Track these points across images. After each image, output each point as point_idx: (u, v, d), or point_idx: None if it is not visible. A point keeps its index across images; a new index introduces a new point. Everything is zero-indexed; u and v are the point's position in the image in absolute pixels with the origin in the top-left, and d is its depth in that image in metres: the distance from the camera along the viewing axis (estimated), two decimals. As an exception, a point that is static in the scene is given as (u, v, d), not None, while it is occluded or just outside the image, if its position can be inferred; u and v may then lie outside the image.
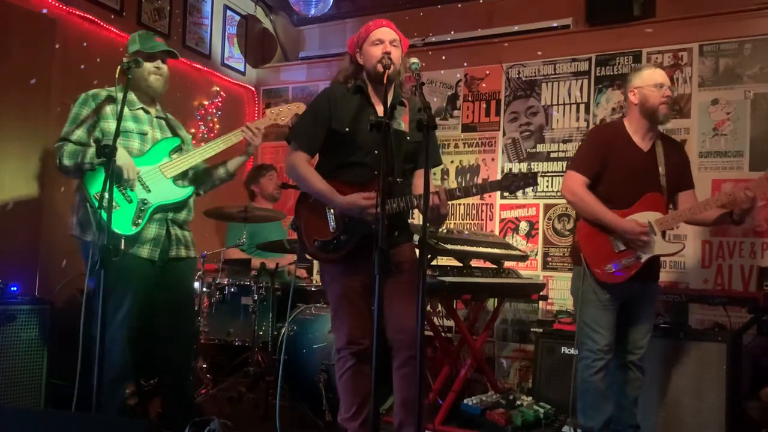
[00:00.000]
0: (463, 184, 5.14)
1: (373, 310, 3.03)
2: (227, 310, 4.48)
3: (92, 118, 3.28)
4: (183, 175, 3.44)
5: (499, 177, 5.41)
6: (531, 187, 2.92)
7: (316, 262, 5.94)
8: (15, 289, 3.76)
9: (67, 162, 3.20)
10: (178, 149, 3.48)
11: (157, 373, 3.63)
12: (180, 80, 5.38)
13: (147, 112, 3.46)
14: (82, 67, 4.69)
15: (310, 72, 6.40)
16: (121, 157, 3.16)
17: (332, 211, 2.90)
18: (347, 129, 2.92)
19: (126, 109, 3.33)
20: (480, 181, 5.47)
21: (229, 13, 6.21)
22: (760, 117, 4.61)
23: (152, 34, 3.55)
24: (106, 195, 3.07)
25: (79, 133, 3.26)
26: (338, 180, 2.90)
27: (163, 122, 3.54)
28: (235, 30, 6.28)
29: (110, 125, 3.27)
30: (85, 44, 4.75)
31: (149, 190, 3.28)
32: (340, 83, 3.03)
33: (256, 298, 4.32)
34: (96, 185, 3.17)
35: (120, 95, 3.29)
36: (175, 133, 3.54)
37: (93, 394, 2.66)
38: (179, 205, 3.43)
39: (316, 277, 5.80)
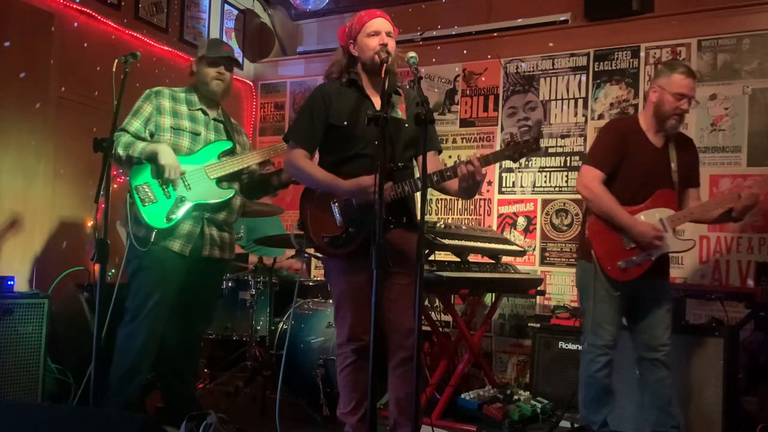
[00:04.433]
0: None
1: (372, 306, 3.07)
2: (225, 305, 4.47)
3: (150, 111, 3.40)
4: (230, 178, 3.48)
5: (497, 173, 5.42)
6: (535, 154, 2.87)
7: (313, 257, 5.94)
8: (12, 282, 3.75)
9: (121, 152, 3.27)
10: (230, 153, 3.51)
11: (161, 365, 3.62)
12: (177, 74, 5.37)
13: (206, 113, 3.53)
14: (80, 60, 4.68)
15: (308, 67, 6.39)
16: (166, 156, 3.27)
17: (337, 204, 2.89)
18: (345, 123, 2.91)
19: (185, 108, 3.48)
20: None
21: (227, 7, 6.20)
22: (758, 112, 4.61)
23: (221, 42, 3.70)
24: (149, 182, 3.30)
25: (137, 126, 3.36)
26: (341, 173, 2.89)
27: (221, 126, 3.59)
28: (233, 24, 6.27)
29: (165, 120, 3.40)
30: (82, 38, 4.73)
31: (189, 188, 3.34)
32: (334, 80, 3.02)
33: (253, 292, 4.31)
34: (139, 178, 3.30)
35: (183, 95, 3.51)
36: (230, 138, 3.58)
37: (92, 388, 2.67)
38: (218, 206, 3.45)
39: (314, 272, 5.80)
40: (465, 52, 5.65)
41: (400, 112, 2.95)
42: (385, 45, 2.86)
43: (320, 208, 2.93)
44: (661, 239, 3.27)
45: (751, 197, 3.25)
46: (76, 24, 4.72)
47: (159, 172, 3.27)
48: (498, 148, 5.42)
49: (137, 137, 3.33)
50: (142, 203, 3.26)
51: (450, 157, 5.61)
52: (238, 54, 6.33)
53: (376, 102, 2.93)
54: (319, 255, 3.03)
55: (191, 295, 3.45)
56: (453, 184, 2.85)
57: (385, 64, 2.81)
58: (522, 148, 2.72)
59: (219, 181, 3.43)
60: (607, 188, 3.34)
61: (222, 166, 3.44)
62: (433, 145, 3.03)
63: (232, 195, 3.47)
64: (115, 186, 4.15)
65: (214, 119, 3.57)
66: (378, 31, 2.90)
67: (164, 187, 3.31)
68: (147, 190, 3.29)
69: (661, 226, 3.29)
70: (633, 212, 3.32)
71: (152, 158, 3.26)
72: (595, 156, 3.43)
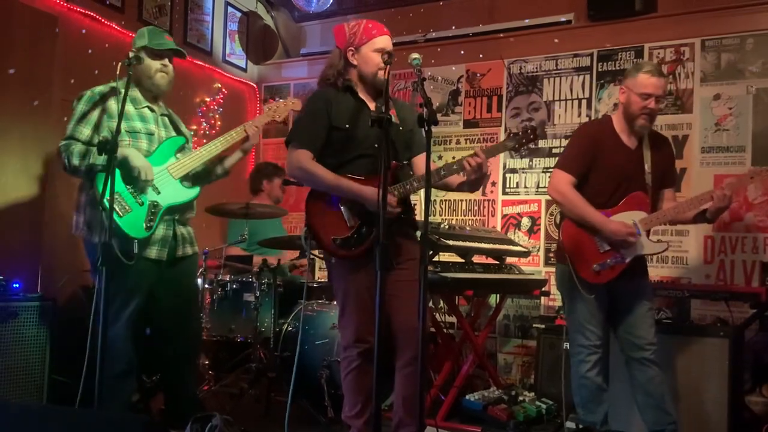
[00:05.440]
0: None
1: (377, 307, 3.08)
2: (229, 307, 4.48)
3: (98, 116, 3.23)
4: (186, 175, 3.43)
5: (501, 174, 5.41)
6: (535, 142, 2.98)
7: (317, 259, 5.94)
8: (17, 286, 3.77)
9: (76, 162, 3.14)
10: (182, 148, 3.47)
11: (161, 368, 3.63)
12: (182, 77, 5.36)
13: (152, 110, 3.43)
14: (83, 63, 4.69)
15: (311, 68, 6.38)
16: (137, 158, 3.16)
17: (347, 206, 2.90)
18: (347, 125, 2.94)
19: (131, 108, 3.31)
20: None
21: (230, 9, 6.21)
22: (762, 112, 4.59)
23: (162, 31, 3.51)
24: (120, 192, 3.14)
25: (87, 132, 3.21)
26: (344, 174, 2.92)
27: (167, 119, 3.53)
28: (236, 26, 6.28)
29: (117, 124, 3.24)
30: (86, 41, 4.75)
31: (159, 192, 3.27)
32: (329, 86, 3.05)
33: (258, 294, 4.32)
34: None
35: (122, 89, 3.29)
36: (178, 131, 3.53)
37: (95, 391, 2.67)
38: (187, 206, 3.44)
39: (318, 273, 5.80)
40: (468, 53, 5.64)
41: (393, 117, 2.99)
42: (389, 63, 2.85)
43: (329, 210, 2.94)
44: (634, 236, 3.27)
45: (723, 198, 3.26)
46: (79, 27, 4.73)
47: (132, 176, 3.15)
48: (501, 148, 5.43)
49: (90, 145, 3.16)
50: (117, 215, 3.10)
51: (453, 157, 5.59)
52: (241, 56, 6.34)
53: (371, 107, 3.01)
54: (330, 257, 3.03)
55: (176, 296, 3.44)
56: (454, 178, 2.92)
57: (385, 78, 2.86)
58: (522, 138, 2.85)
59: (182, 179, 3.38)
60: (581, 191, 3.36)
61: (184, 164, 3.37)
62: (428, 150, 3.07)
63: (198, 192, 3.45)
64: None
65: (161, 114, 3.48)
66: (384, 48, 2.95)
67: (134, 193, 3.20)
68: (120, 200, 3.13)
69: (634, 229, 3.30)
70: (606, 214, 3.34)
71: (122, 164, 3.12)
72: (566, 160, 3.46)
